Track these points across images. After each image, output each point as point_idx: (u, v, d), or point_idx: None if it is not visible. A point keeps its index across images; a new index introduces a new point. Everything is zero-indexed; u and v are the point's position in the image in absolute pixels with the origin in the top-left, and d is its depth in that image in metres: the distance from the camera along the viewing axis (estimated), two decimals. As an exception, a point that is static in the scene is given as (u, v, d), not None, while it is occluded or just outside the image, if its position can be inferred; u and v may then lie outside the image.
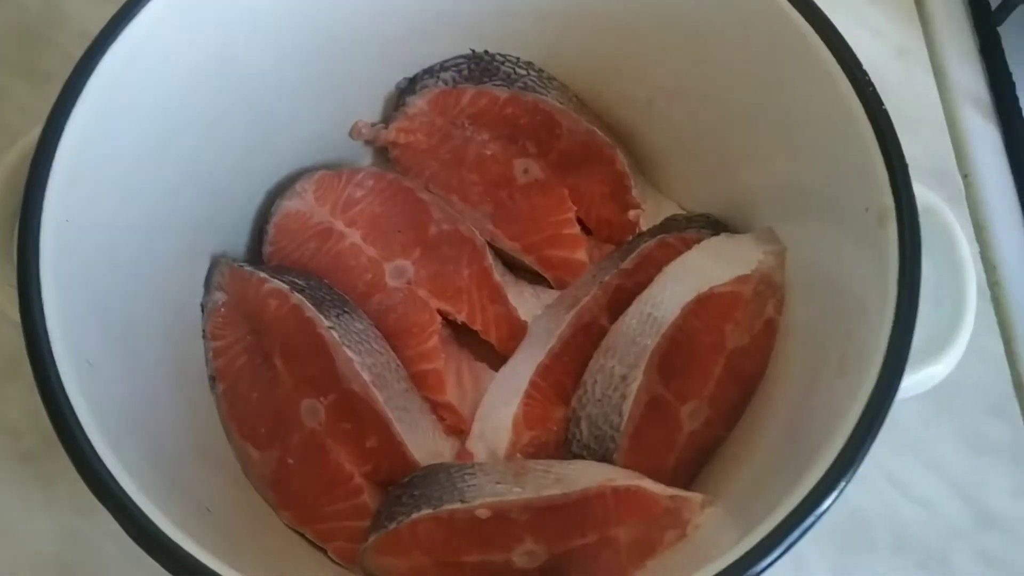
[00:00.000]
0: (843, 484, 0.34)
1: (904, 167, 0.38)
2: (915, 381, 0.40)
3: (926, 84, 0.65)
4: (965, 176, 0.63)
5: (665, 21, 0.48)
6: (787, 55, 0.42)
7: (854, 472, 0.34)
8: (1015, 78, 0.65)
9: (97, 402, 0.35)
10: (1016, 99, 0.64)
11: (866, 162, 0.39)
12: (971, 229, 0.61)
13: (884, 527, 0.53)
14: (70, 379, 0.34)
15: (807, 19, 0.40)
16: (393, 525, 0.42)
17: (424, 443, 0.48)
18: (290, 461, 0.47)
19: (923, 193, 0.42)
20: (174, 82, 0.43)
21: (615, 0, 0.49)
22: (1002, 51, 0.65)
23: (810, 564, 0.52)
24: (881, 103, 0.39)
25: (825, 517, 0.52)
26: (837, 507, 0.52)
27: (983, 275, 0.60)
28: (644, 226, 0.54)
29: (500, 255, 0.54)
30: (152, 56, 0.41)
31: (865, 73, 0.39)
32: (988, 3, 0.67)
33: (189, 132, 0.45)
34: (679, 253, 0.49)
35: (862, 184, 0.39)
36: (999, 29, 0.66)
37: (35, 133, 0.37)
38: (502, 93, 0.52)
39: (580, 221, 0.55)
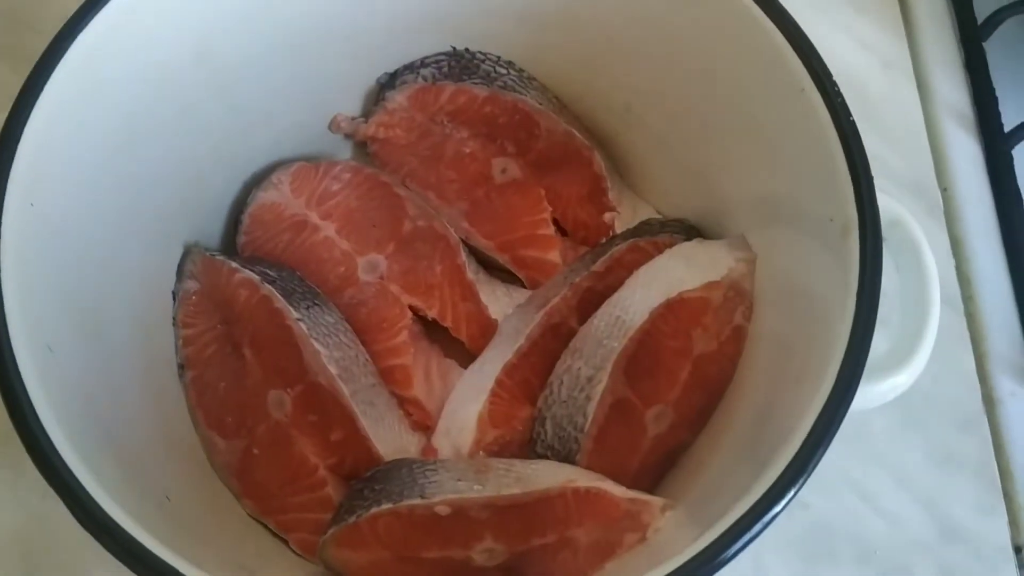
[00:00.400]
0: (793, 491, 0.34)
1: (869, 179, 0.38)
2: (877, 392, 0.41)
3: (910, 96, 0.65)
4: (944, 190, 0.63)
5: (642, 27, 0.48)
6: (759, 63, 0.42)
7: (805, 479, 0.34)
8: (998, 94, 0.65)
9: (55, 387, 0.35)
10: (999, 115, 0.64)
11: (832, 173, 0.39)
12: (947, 243, 0.61)
13: (848, 538, 0.53)
14: (27, 363, 0.34)
15: (779, 28, 0.40)
16: (353, 518, 0.42)
17: (389, 438, 0.48)
18: (255, 451, 0.47)
19: (891, 206, 0.42)
20: (147, 70, 0.43)
21: (594, 4, 0.49)
22: (987, 66, 0.66)
23: (772, 572, 0.52)
24: (849, 115, 0.39)
25: (790, 526, 0.53)
26: (801, 516, 0.53)
27: (957, 289, 0.60)
28: (620, 229, 0.54)
29: (474, 253, 0.54)
30: (124, 43, 0.41)
31: (835, 84, 0.39)
32: (975, 18, 0.67)
33: (163, 120, 0.45)
34: (650, 257, 0.49)
35: (827, 194, 0.39)
36: (984, 44, 0.66)
37: (4, 115, 0.37)
38: (481, 91, 0.52)
39: (556, 222, 0.55)
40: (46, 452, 0.33)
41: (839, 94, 0.39)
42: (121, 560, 0.32)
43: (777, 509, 0.34)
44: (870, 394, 0.40)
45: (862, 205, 0.38)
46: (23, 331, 0.34)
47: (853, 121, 0.39)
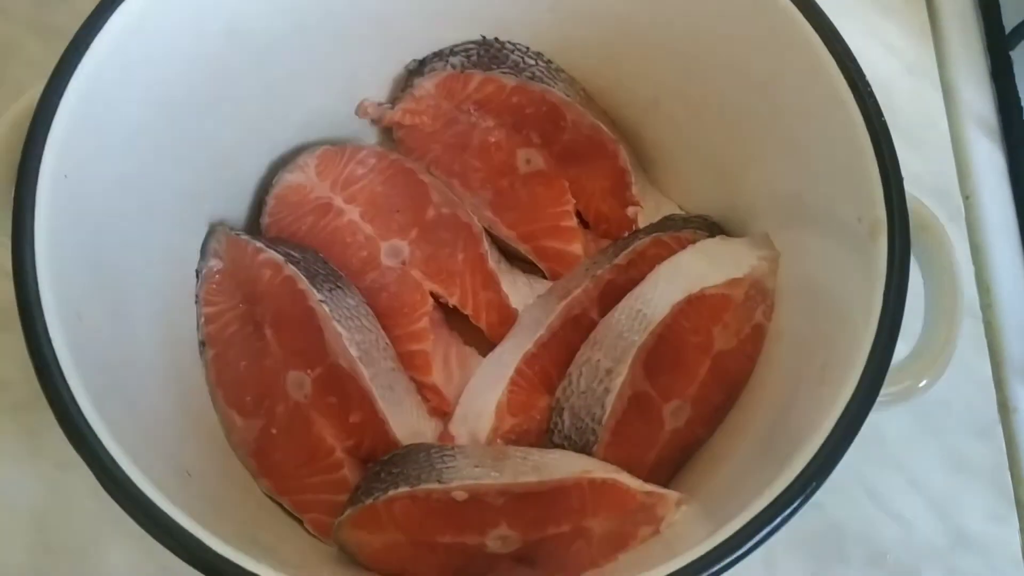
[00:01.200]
0: (811, 491, 0.34)
1: (899, 180, 0.38)
2: (897, 394, 0.41)
3: (934, 102, 0.65)
4: (966, 197, 0.63)
5: (673, 22, 0.48)
6: (791, 61, 0.42)
7: (823, 479, 0.34)
8: (1023, 103, 0.65)
9: (83, 355, 0.35)
10: (1023, 124, 0.64)
11: (862, 172, 0.39)
12: (968, 250, 0.61)
13: (860, 540, 0.53)
14: (57, 330, 0.34)
15: (814, 26, 0.40)
16: (370, 500, 0.43)
17: (407, 422, 0.48)
18: (273, 431, 0.47)
19: (920, 208, 0.42)
20: (181, 48, 0.43)
21: (626, -3, 0.49)
22: (1013, 75, 0.65)
23: (783, 572, 0.52)
24: (881, 114, 0.39)
25: (802, 526, 0.53)
26: (814, 517, 0.53)
27: (976, 297, 0.60)
28: (642, 224, 0.54)
29: (497, 243, 0.54)
30: (159, 21, 0.41)
31: (867, 83, 0.39)
32: (1002, 26, 0.67)
33: (194, 99, 0.45)
34: (673, 252, 0.49)
35: (856, 194, 0.39)
36: (1011, 53, 0.66)
37: (40, 88, 0.38)
38: (509, 81, 0.52)
39: (579, 214, 0.55)
40: (74, 418, 0.33)
41: (871, 93, 0.39)
42: (148, 530, 0.32)
43: (794, 508, 0.34)
44: (889, 396, 0.40)
45: (892, 206, 0.38)
46: (54, 298, 0.35)
47: (885, 121, 0.39)
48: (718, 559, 0.34)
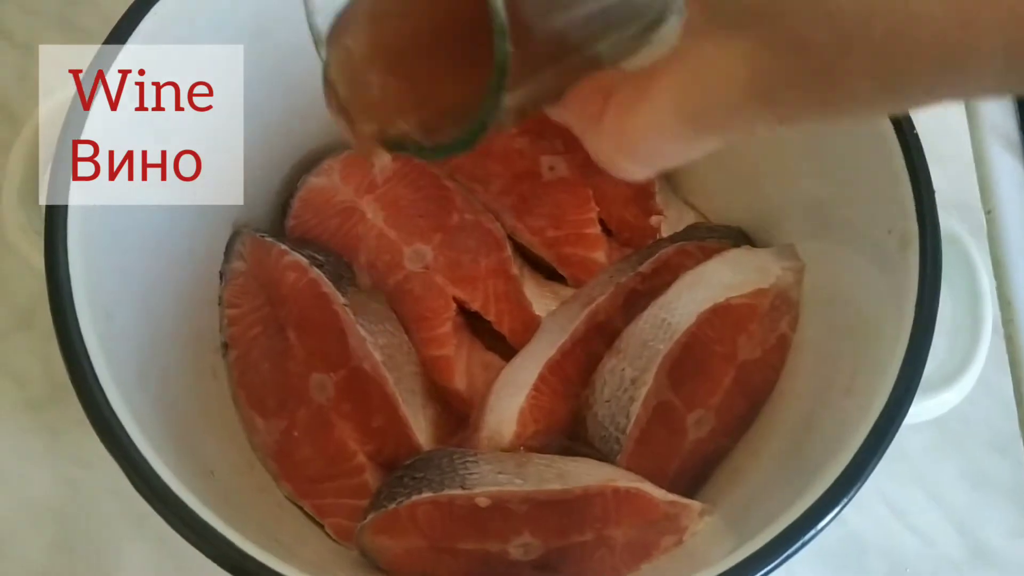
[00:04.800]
0: (843, 504, 0.34)
1: (931, 192, 0.38)
2: (923, 408, 0.41)
3: (957, 117, 0.65)
4: (988, 211, 0.63)
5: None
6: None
7: (855, 493, 0.34)
8: (1047, 118, 0.65)
9: (113, 352, 0.35)
10: (1046, 139, 0.64)
11: (893, 185, 0.39)
12: (989, 264, 0.61)
13: (879, 553, 0.53)
14: (88, 326, 0.34)
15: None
16: (392, 505, 0.42)
17: (429, 428, 0.48)
18: (295, 434, 0.47)
19: (946, 222, 0.42)
20: (208, 51, 0.43)
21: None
22: (1036, 90, 0.65)
23: (802, 583, 0.52)
24: (913, 127, 0.39)
25: (822, 538, 0.52)
26: (835, 529, 0.52)
27: (998, 311, 0.60)
28: (664, 233, 0.54)
29: (519, 249, 0.54)
30: (188, 23, 0.41)
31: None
32: (1026, 41, 0.67)
33: (220, 101, 0.45)
34: (698, 261, 0.49)
35: (887, 207, 0.39)
36: (1035, 68, 0.66)
37: (72, 86, 0.38)
38: (535, 87, 0.52)
39: (601, 222, 0.55)
40: (104, 413, 0.33)
41: (903, 105, 0.39)
42: (175, 528, 0.32)
43: (823, 524, 0.34)
44: (915, 409, 0.39)
45: (923, 217, 0.38)
46: (85, 295, 0.35)
47: (916, 134, 0.39)
48: (742, 573, 0.34)
